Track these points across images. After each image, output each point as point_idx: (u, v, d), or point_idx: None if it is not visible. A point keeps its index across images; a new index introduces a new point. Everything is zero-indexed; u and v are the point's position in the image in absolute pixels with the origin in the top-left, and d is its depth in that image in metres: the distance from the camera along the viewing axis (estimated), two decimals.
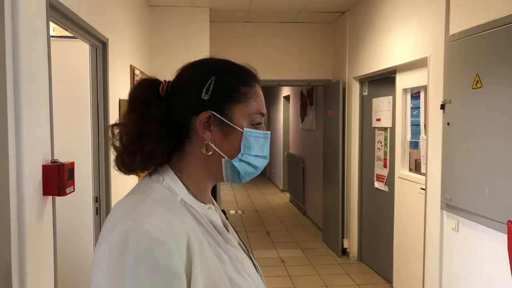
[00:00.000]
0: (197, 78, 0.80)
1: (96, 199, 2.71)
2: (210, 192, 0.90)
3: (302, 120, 7.40)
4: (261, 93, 0.87)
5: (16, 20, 1.43)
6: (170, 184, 0.79)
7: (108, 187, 2.75)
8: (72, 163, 1.73)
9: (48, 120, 1.70)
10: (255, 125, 0.83)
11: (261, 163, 0.84)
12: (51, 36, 3.13)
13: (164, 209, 0.73)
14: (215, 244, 0.78)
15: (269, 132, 0.86)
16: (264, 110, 0.86)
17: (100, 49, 2.70)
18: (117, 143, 0.81)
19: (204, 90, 0.79)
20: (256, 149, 0.82)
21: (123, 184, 3.05)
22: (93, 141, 2.68)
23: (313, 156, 6.70)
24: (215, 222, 0.82)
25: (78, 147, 2.80)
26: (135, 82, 3.63)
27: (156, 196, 0.75)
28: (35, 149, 1.56)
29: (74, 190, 1.73)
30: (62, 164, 1.63)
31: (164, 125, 0.79)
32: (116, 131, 0.82)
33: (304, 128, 7.30)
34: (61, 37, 3.04)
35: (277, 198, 8.91)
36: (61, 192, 1.61)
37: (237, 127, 0.80)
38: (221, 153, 0.80)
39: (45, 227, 1.65)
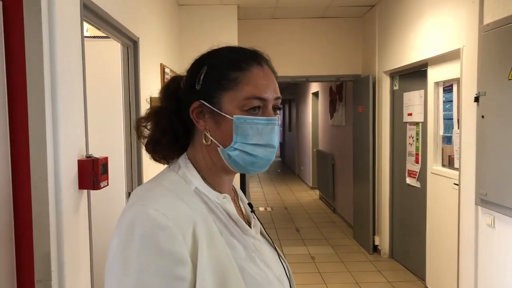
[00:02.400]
0: (193, 70, 0.82)
1: (129, 195, 2.78)
2: (231, 184, 0.90)
3: (331, 116, 7.34)
4: (261, 75, 0.81)
5: (52, 21, 1.49)
6: (186, 173, 0.80)
7: (140, 182, 2.82)
8: (106, 158, 1.78)
9: (82, 117, 1.76)
10: (250, 111, 0.78)
11: (261, 153, 0.78)
12: (85, 37, 3.26)
13: (172, 196, 0.73)
14: (227, 233, 0.77)
15: (273, 118, 0.80)
16: (265, 94, 0.79)
17: (131, 48, 2.77)
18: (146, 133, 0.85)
19: (197, 80, 0.79)
20: (252, 137, 0.77)
21: None
22: (126, 138, 2.76)
23: (342, 152, 6.64)
24: (230, 211, 0.81)
25: (112, 144, 2.88)
26: (165, 80, 3.70)
27: (166, 184, 0.77)
28: (70, 145, 1.62)
29: (108, 184, 1.79)
30: (96, 159, 1.68)
31: (176, 118, 0.83)
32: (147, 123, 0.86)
33: (334, 124, 7.24)
34: (94, 37, 3.14)
35: (306, 195, 8.87)
36: (96, 186, 1.67)
37: (226, 115, 0.77)
38: (216, 142, 0.79)
39: (81, 220, 1.72)
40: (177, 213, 0.70)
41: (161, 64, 3.59)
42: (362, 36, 5.38)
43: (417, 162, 4.21)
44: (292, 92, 12.20)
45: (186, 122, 0.83)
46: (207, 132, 0.79)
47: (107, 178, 1.78)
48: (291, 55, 5.36)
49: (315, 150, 9.01)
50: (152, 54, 3.27)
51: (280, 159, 16.50)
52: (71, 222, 1.61)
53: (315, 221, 6.60)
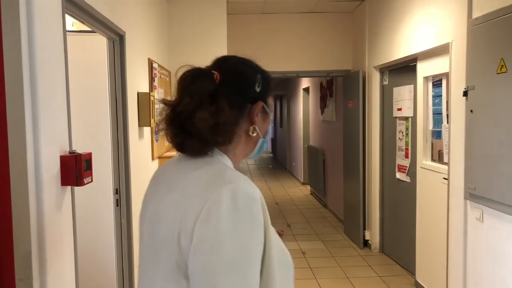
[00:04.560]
0: (250, 74, 0.97)
1: (116, 191, 2.74)
2: None
3: (322, 112, 7.33)
4: None
5: (31, 13, 1.44)
6: (223, 160, 0.93)
7: (128, 179, 2.78)
8: (90, 154, 1.75)
9: (65, 112, 1.72)
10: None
11: (268, 141, 1.06)
12: (71, 31, 3.20)
13: (244, 176, 0.87)
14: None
15: None
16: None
17: (117, 42, 2.72)
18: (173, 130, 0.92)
19: (257, 84, 0.96)
20: (269, 131, 1.07)
21: (141, 176, 3.08)
22: (112, 134, 2.71)
23: (333, 148, 6.64)
24: None
25: (98, 140, 2.84)
26: (153, 75, 3.66)
27: (230, 167, 0.91)
28: (52, 141, 1.58)
29: (92, 181, 1.76)
30: (79, 155, 1.65)
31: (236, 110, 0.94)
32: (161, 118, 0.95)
33: (324, 120, 7.23)
34: (81, 31, 3.09)
35: (297, 190, 8.88)
36: (79, 182, 1.64)
37: (271, 114, 1.02)
38: (260, 134, 0.98)
39: (65, 217, 1.68)
40: (256, 189, 0.84)
41: (149, 59, 3.54)
42: (352, 31, 5.37)
43: (406, 157, 4.22)
44: (283, 88, 12.18)
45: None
46: (256, 126, 0.96)
47: (91, 174, 1.74)
48: (281, 50, 5.33)
49: (306, 145, 9.01)
50: (139, 49, 3.23)
51: (271, 155, 16.50)
52: (53, 219, 1.57)
53: (306, 216, 6.61)
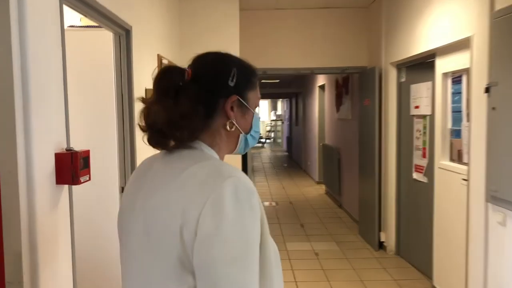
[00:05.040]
0: (222, 68, 0.96)
1: (122, 189, 2.68)
2: None
3: (338, 110, 7.18)
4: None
5: (22, 6, 1.37)
6: (212, 154, 0.94)
7: None
8: (87, 151, 1.68)
9: (62, 108, 1.65)
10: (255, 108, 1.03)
11: (258, 137, 1.06)
12: (80, 27, 3.15)
13: (238, 169, 0.88)
14: None
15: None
16: (260, 96, 1.06)
17: (123, 37, 2.66)
18: (143, 123, 0.92)
19: (230, 78, 0.95)
20: (257, 126, 1.03)
21: None
22: (119, 131, 2.65)
23: (349, 146, 6.49)
24: None
25: (105, 138, 2.78)
26: None
27: (222, 161, 0.92)
28: (46, 137, 1.51)
29: (89, 179, 1.68)
30: (76, 152, 1.58)
31: (203, 105, 0.92)
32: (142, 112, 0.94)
33: (340, 118, 7.08)
34: (88, 26, 3.04)
35: (312, 190, 8.74)
36: (75, 181, 1.57)
37: (251, 109, 1.00)
38: (240, 129, 0.98)
39: (60, 217, 1.61)
40: (251, 182, 0.86)
41: (158, 55, 3.47)
42: (368, 27, 5.21)
43: (424, 156, 4.06)
44: (299, 85, 12.03)
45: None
46: (233, 120, 0.95)
47: (88, 173, 1.67)
48: (295, 47, 5.21)
49: (321, 144, 8.87)
50: (147, 44, 3.16)
51: (287, 153, 16.37)
52: (47, 219, 1.50)
53: (320, 216, 6.48)
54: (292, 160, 14.33)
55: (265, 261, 0.85)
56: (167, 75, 0.92)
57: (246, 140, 1.01)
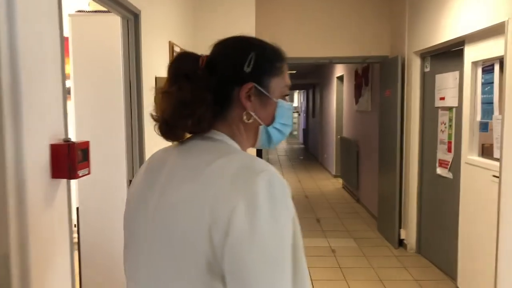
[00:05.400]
0: (239, 53, 0.87)
1: (130, 182, 2.55)
2: None
3: (357, 102, 6.95)
4: (287, 68, 0.94)
5: None
6: (236, 146, 0.87)
7: None
8: (86, 143, 1.54)
9: (60, 97, 1.51)
10: (283, 97, 0.92)
11: (287, 131, 0.94)
12: (87, 11, 3.02)
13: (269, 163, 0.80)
14: None
15: (292, 103, 0.99)
16: (290, 83, 0.95)
17: (132, 22, 2.51)
18: (157, 112, 0.86)
19: (246, 63, 0.85)
20: (285, 118, 0.91)
21: None
22: (126, 122, 2.52)
23: (368, 139, 6.27)
24: None
25: (112, 128, 2.66)
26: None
27: (252, 155, 0.82)
28: (40, 126, 1.37)
29: (89, 173, 1.55)
30: (73, 143, 1.44)
31: (211, 93, 0.84)
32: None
33: (359, 110, 6.86)
34: (96, 11, 2.90)
35: (329, 184, 8.55)
36: (72, 174, 1.43)
37: (273, 98, 0.89)
38: (259, 120, 0.88)
39: (57, 214, 1.48)
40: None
41: (170, 42, 3.32)
42: (391, 13, 4.96)
43: (449, 151, 3.84)
44: (316, 76, 11.78)
45: (216, 98, 0.85)
46: (251, 111, 0.86)
47: (88, 166, 1.53)
48: (313, 35, 5.00)
49: (339, 137, 8.65)
50: (158, 30, 3.01)
51: (303, 145, 16.16)
52: (40, 217, 1.37)
53: (337, 211, 6.29)
54: (308, 152, 14.12)
55: (297, 262, 0.76)
56: (178, 62, 0.87)
57: (267, 133, 0.90)
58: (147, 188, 0.85)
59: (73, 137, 2.73)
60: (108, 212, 2.70)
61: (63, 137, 1.52)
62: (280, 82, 0.90)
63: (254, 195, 0.72)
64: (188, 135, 0.88)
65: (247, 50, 0.87)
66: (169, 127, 0.84)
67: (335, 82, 9.01)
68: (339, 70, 8.52)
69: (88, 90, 2.72)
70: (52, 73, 1.47)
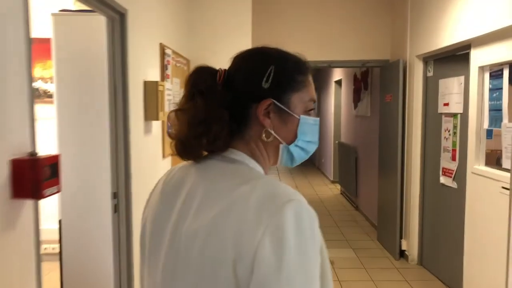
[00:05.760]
0: (257, 67, 0.83)
1: (114, 195, 2.36)
2: None
3: (355, 106, 6.79)
4: (312, 80, 0.89)
5: None
6: (258, 170, 0.83)
7: (128, 181, 2.40)
8: (56, 157, 1.35)
9: (25, 106, 1.33)
10: (308, 112, 0.86)
11: (312, 148, 0.88)
12: (73, 11, 2.84)
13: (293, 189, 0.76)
14: None
15: (318, 118, 0.89)
16: (315, 97, 0.89)
17: (117, 22, 2.33)
18: (173, 130, 0.82)
19: (265, 79, 0.81)
20: (309, 135, 0.86)
21: (146, 177, 2.70)
22: (111, 130, 2.33)
23: (367, 145, 6.10)
24: None
25: (96, 137, 2.48)
26: (166, 63, 3.26)
27: (276, 180, 0.78)
28: None
29: (59, 191, 1.36)
30: (37, 159, 1.25)
31: (228, 110, 0.80)
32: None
33: (358, 115, 6.69)
34: (81, 11, 2.72)
35: (326, 189, 8.37)
36: (36, 194, 1.24)
37: (294, 115, 0.83)
38: (280, 139, 0.83)
39: (19, 239, 1.29)
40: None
41: (161, 43, 3.14)
42: (392, 16, 4.80)
43: (454, 159, 3.67)
44: (313, 80, 11.57)
45: (232, 116, 0.81)
46: (270, 129, 0.81)
47: (57, 183, 1.35)
48: (311, 38, 4.83)
49: (337, 142, 8.48)
50: (147, 31, 2.82)
51: None
52: None
53: (335, 219, 6.11)
54: None
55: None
56: (195, 77, 0.83)
57: (289, 152, 0.85)
58: (164, 210, 0.82)
59: (54, 145, 2.56)
60: (91, 224, 2.52)
61: (28, 150, 1.33)
62: (303, 96, 0.85)
63: (280, 229, 0.68)
64: (205, 153, 0.84)
65: (265, 64, 0.83)
66: (184, 146, 0.81)
67: (333, 86, 8.85)
68: (337, 74, 8.36)
69: (71, 94, 2.54)
70: (15, 77, 1.29)
